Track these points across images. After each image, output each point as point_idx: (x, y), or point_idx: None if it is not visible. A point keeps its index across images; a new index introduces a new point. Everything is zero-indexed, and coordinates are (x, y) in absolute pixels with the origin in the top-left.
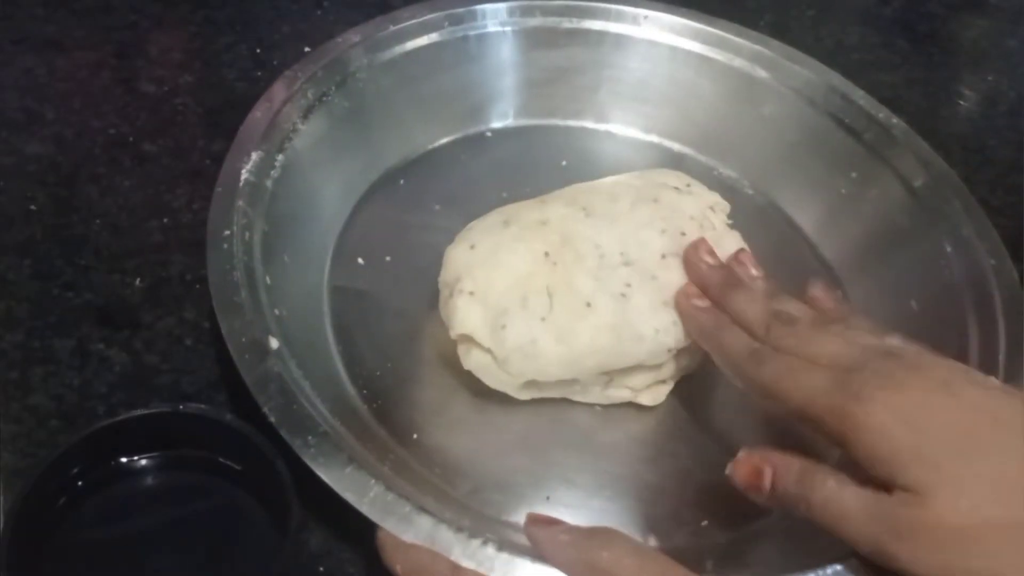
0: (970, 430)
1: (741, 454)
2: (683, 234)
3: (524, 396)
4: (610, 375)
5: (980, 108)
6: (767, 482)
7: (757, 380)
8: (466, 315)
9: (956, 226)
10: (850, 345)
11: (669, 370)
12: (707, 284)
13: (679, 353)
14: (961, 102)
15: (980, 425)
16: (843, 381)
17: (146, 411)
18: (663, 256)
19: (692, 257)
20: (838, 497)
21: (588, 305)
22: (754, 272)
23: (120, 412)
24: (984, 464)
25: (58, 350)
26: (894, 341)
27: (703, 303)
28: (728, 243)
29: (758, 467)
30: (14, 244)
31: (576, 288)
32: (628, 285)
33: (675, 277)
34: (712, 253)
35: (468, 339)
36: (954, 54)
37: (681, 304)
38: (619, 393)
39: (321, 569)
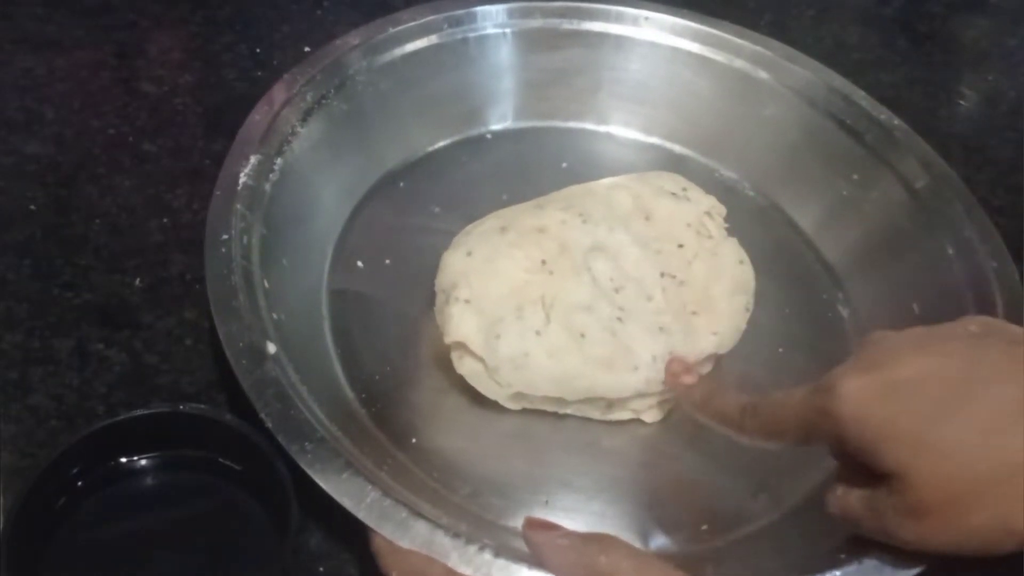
0: (942, 391)
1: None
2: (680, 246)
3: (514, 406)
4: (609, 400)
5: (980, 108)
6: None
7: (753, 428)
8: (460, 322)
9: (958, 228)
10: None
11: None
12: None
13: None
14: (961, 102)
15: (951, 383)
16: (819, 383)
17: (146, 411)
18: (661, 275)
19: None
20: (846, 503)
21: (582, 336)
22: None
23: (120, 412)
24: (959, 422)
25: (58, 350)
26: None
27: (691, 379)
28: (726, 251)
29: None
30: (14, 244)
31: (572, 303)
32: (622, 309)
33: (671, 298)
34: (688, 371)
35: (462, 346)
36: (954, 54)
37: (671, 383)
38: (620, 414)
39: (321, 569)
